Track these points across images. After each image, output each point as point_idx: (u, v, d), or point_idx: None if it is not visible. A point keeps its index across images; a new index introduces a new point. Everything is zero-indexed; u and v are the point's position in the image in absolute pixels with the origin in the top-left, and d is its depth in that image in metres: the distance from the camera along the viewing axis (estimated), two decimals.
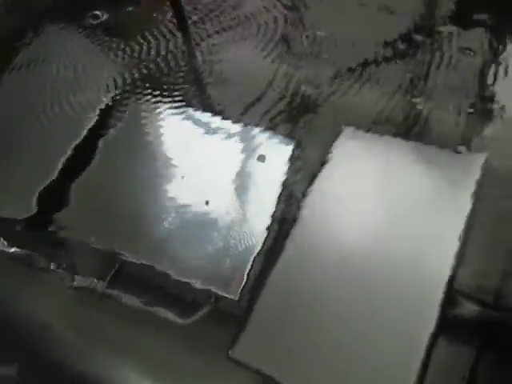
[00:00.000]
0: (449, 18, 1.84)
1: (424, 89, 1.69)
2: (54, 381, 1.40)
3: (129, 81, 1.72)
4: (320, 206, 1.44)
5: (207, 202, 1.40)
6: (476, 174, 1.43)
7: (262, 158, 1.48)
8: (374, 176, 1.47)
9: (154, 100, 1.64)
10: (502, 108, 1.61)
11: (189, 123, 1.60)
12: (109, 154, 1.51)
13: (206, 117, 1.60)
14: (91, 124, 1.60)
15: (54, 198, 1.45)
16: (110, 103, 1.66)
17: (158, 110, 1.62)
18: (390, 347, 1.22)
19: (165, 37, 1.96)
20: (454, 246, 1.33)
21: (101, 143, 1.53)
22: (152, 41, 1.93)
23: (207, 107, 1.83)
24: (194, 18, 2.02)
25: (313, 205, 1.43)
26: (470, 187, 1.41)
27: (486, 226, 1.37)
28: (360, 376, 1.21)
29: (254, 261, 1.28)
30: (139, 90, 1.64)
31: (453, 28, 1.81)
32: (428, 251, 1.33)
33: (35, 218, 1.45)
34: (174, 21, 1.97)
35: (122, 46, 1.78)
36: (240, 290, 1.23)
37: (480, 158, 1.46)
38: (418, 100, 1.66)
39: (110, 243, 1.35)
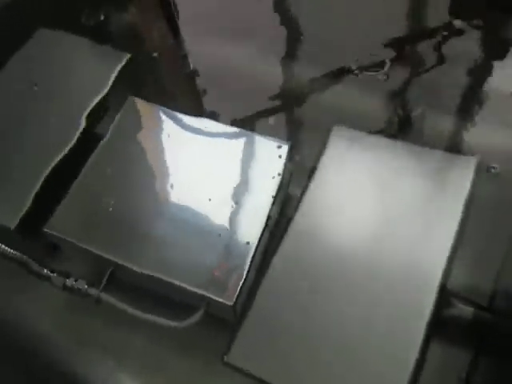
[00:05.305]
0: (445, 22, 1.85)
1: (417, 90, 1.70)
2: None
3: (124, 83, 1.71)
4: (314, 207, 1.43)
5: (201, 206, 1.39)
6: (469, 176, 1.44)
7: (256, 160, 1.47)
8: (367, 177, 1.47)
9: (149, 102, 1.62)
10: (496, 111, 1.62)
11: (182, 126, 1.58)
12: (103, 157, 1.50)
13: (199, 119, 1.58)
14: (84, 127, 1.58)
15: (47, 202, 1.43)
16: (104, 106, 1.65)
17: (153, 113, 1.61)
18: (385, 350, 1.22)
19: (159, 39, 1.96)
20: (447, 247, 1.33)
21: (94, 146, 1.51)
22: (147, 43, 1.93)
23: (200, 109, 1.83)
24: (187, 20, 2.02)
25: (307, 206, 1.43)
26: (464, 190, 1.41)
27: (480, 227, 1.38)
28: (357, 380, 1.20)
29: (249, 265, 1.27)
30: (134, 93, 1.62)
31: (446, 32, 1.82)
32: (421, 253, 1.33)
33: (27, 221, 1.44)
34: (166, 24, 1.97)
35: (117, 50, 1.77)
36: (236, 294, 1.22)
37: (473, 160, 1.47)
38: (411, 102, 1.68)
39: (104, 248, 1.34)
